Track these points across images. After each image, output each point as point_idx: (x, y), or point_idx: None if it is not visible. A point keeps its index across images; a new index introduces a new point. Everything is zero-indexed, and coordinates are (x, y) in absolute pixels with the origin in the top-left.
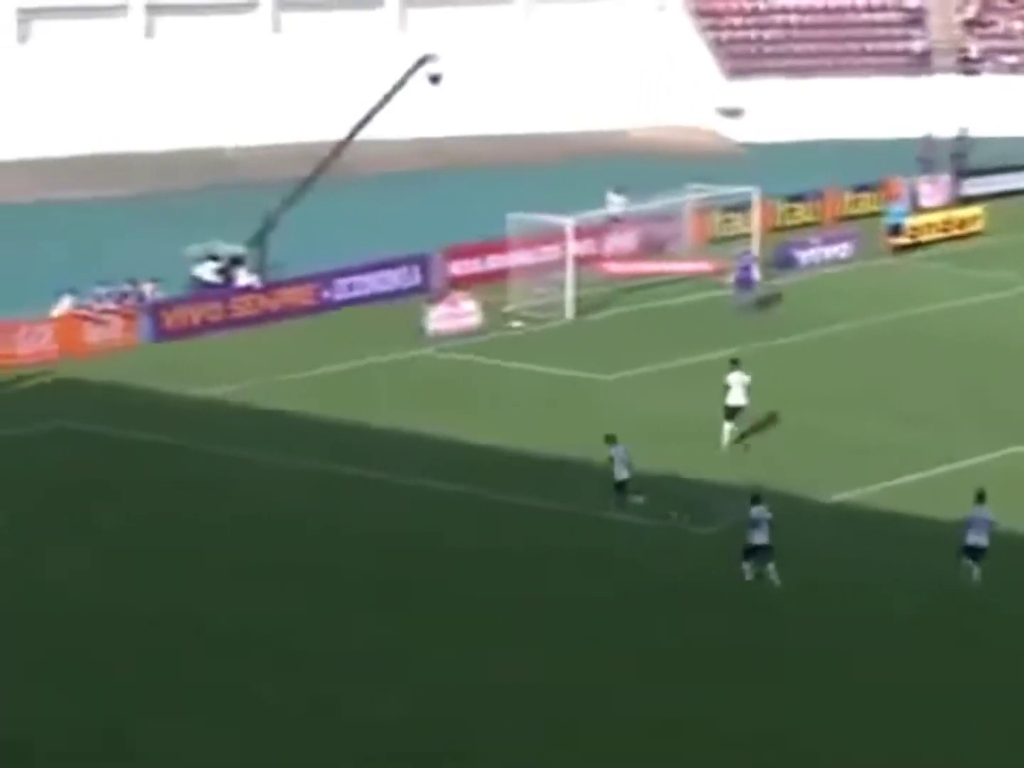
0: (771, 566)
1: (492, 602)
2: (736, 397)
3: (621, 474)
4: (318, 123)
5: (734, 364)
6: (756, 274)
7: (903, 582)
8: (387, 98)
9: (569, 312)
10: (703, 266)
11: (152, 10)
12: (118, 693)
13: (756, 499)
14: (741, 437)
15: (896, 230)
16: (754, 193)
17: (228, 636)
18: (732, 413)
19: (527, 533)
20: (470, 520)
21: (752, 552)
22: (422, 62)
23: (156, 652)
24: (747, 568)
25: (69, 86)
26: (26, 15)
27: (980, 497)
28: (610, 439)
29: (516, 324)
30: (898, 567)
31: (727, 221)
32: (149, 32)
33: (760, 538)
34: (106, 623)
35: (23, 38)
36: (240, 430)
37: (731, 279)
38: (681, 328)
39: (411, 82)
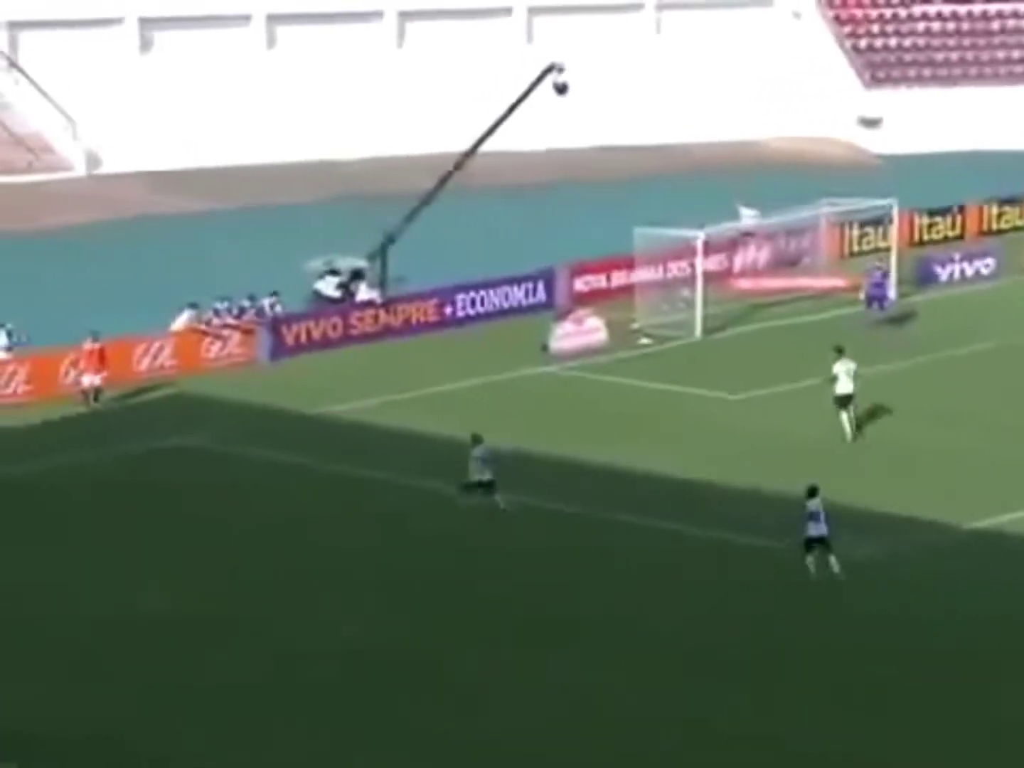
0: (832, 558)
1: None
2: (844, 386)
3: (483, 475)
4: (441, 134)
5: (839, 353)
6: (889, 290)
7: None
8: (512, 109)
9: (697, 330)
10: (837, 282)
11: (273, 20)
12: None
13: (812, 492)
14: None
15: None
16: (892, 206)
17: (381, 660)
18: (844, 402)
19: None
20: (601, 541)
21: (810, 544)
22: (548, 71)
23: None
24: (810, 561)
25: (189, 97)
26: (148, 25)
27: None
28: (476, 439)
29: (643, 342)
30: None
31: (863, 236)
32: (271, 42)
33: (818, 530)
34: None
35: (145, 48)
36: (361, 449)
37: (862, 295)
38: (811, 346)
39: (537, 92)
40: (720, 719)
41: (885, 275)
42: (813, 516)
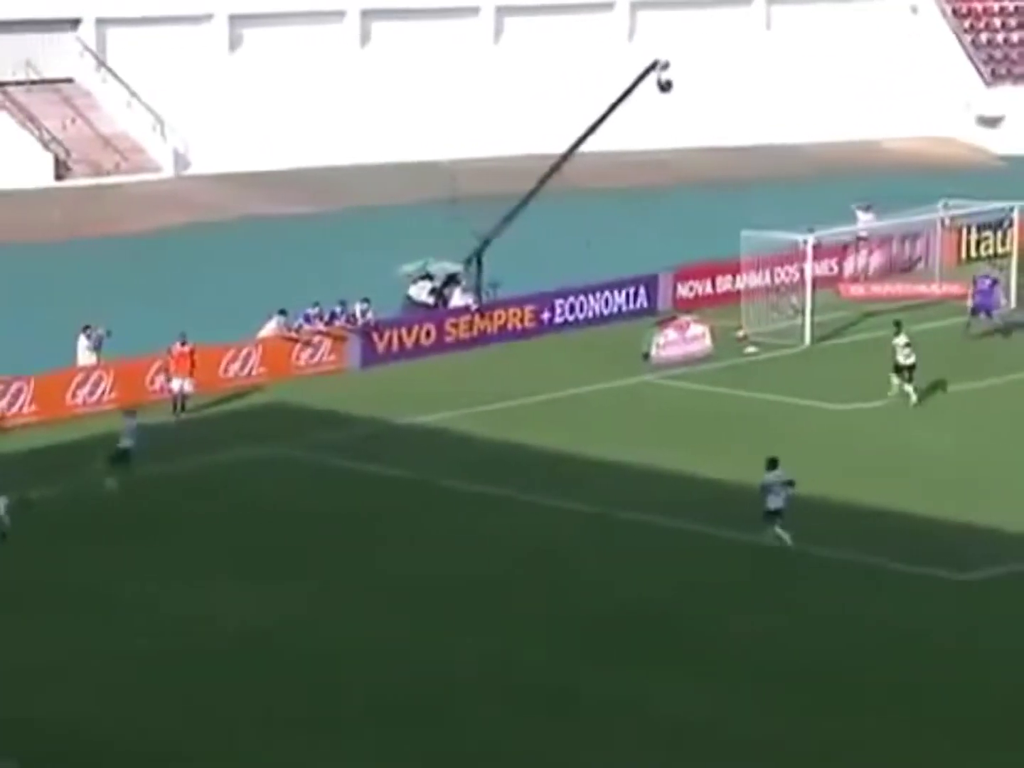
0: (778, 527)
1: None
2: (905, 356)
3: (771, 504)
4: (539, 135)
5: (898, 326)
6: (999, 298)
7: None
8: (613, 108)
9: (807, 338)
10: (953, 289)
11: (368, 15)
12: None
13: (773, 464)
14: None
15: None
16: (1013, 209)
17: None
18: (904, 371)
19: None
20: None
21: (771, 517)
22: (651, 68)
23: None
24: (777, 534)
25: (279, 96)
26: (237, 22)
27: (772, 464)
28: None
29: (749, 350)
30: None
31: (982, 240)
32: (364, 39)
33: (775, 503)
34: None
35: (234, 45)
36: (456, 460)
37: (969, 304)
38: (923, 357)
39: (640, 90)
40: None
41: (995, 283)
42: (770, 489)
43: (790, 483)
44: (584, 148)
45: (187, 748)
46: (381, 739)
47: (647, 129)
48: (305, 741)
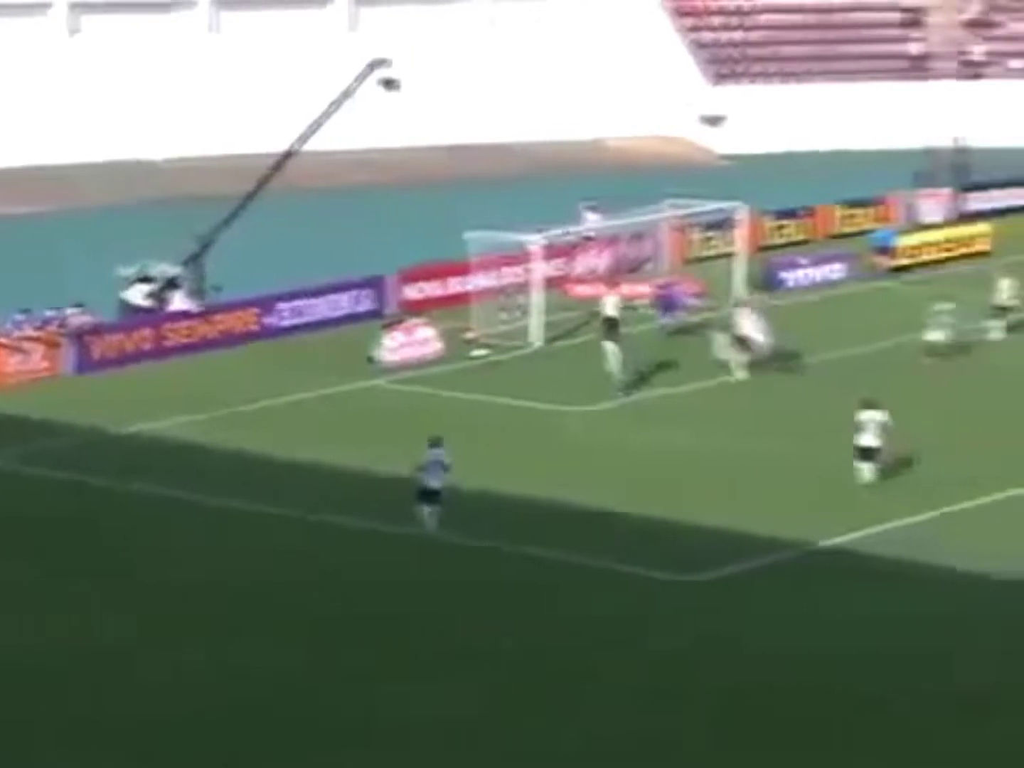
0: (428, 510)
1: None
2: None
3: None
4: (259, 133)
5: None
6: (682, 298)
7: None
8: (335, 106)
9: (537, 339)
10: (682, 288)
11: (76, 8)
12: None
13: (435, 442)
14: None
15: (884, 251)
16: (738, 209)
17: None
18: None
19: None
20: (422, 563)
21: (425, 496)
22: (374, 66)
23: None
24: (428, 513)
25: None
26: None
27: (435, 441)
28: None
29: (479, 352)
30: None
31: (708, 239)
32: (73, 32)
33: (431, 481)
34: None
35: None
36: (172, 469)
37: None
38: (651, 354)
39: (362, 89)
40: None
41: (676, 283)
42: (428, 467)
43: (446, 467)
44: (306, 147)
45: None
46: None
47: (370, 128)
48: None
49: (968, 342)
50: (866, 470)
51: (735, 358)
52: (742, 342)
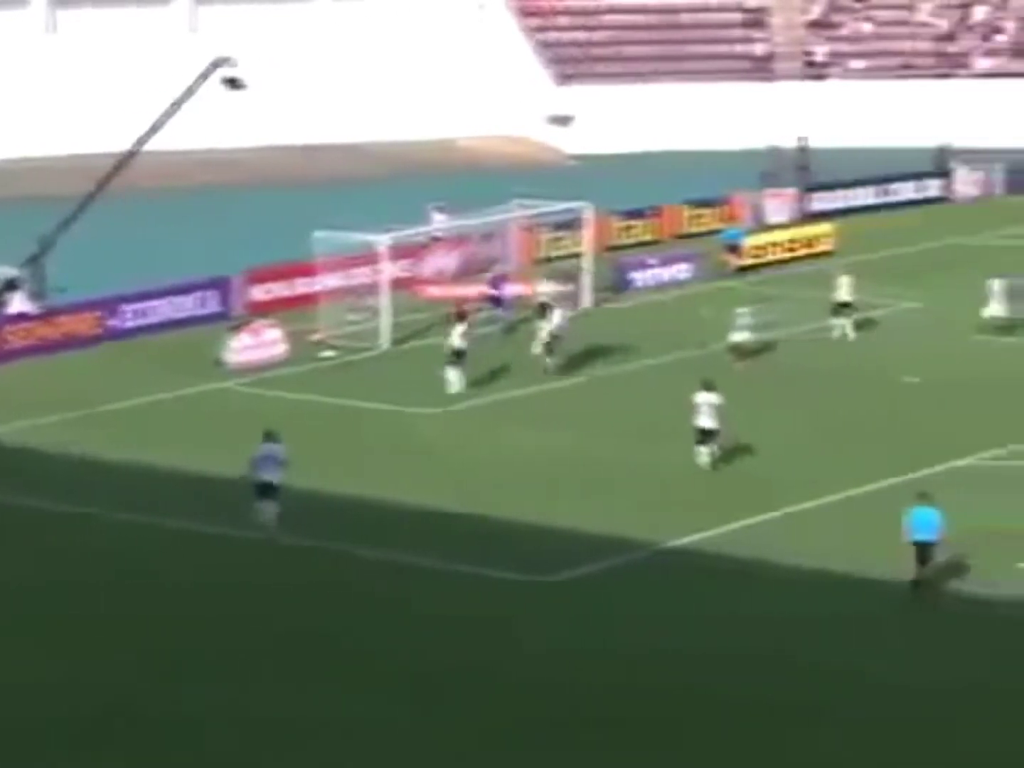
0: (267, 507)
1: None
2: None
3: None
4: (100, 133)
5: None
6: (506, 294)
7: None
8: (177, 106)
9: (385, 340)
10: (527, 289)
11: None
12: None
13: (270, 436)
14: None
15: (734, 249)
16: (586, 209)
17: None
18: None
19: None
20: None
21: (262, 491)
22: (216, 65)
23: None
24: (264, 509)
25: None
26: None
27: (269, 435)
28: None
29: (326, 354)
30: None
31: (557, 240)
32: None
33: (267, 475)
34: None
35: None
36: (10, 475)
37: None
38: (507, 356)
39: (206, 88)
40: None
41: (504, 278)
42: (264, 461)
43: (282, 462)
44: (148, 147)
45: None
46: None
47: (216, 128)
48: None
49: (811, 340)
50: (704, 453)
51: (547, 361)
52: (552, 342)
